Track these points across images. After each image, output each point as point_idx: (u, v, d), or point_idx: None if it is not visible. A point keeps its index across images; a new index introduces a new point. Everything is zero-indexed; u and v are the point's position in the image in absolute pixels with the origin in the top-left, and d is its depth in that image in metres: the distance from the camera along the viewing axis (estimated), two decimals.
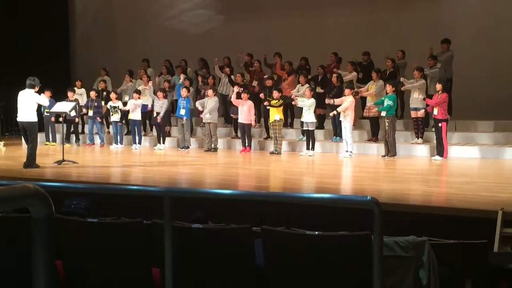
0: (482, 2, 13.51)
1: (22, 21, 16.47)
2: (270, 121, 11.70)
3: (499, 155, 10.64)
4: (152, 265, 3.52)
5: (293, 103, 12.01)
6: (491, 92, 12.76)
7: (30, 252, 1.60)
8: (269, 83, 12.61)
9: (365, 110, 12.03)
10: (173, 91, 13.63)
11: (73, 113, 13.24)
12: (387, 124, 10.57)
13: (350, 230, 3.31)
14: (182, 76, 13.41)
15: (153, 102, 13.38)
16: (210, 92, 12.35)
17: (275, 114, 11.54)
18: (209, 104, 12.18)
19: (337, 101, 11.13)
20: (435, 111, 10.35)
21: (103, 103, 13.70)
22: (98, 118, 13.57)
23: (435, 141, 10.57)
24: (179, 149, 12.61)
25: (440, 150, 10.31)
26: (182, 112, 12.42)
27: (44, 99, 9.91)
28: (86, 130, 14.58)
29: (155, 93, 13.32)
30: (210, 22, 16.32)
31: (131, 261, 3.59)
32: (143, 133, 13.89)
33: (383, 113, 10.65)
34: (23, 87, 9.47)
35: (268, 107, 11.81)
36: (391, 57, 12.30)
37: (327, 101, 11.47)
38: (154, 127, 13.47)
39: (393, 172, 9.45)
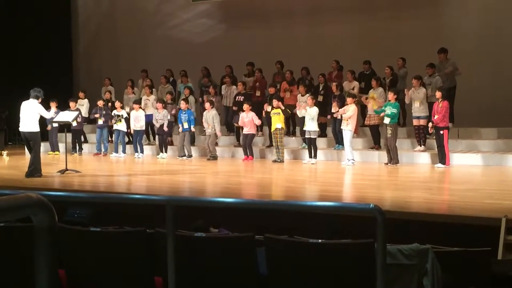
0: (483, 10, 13.50)
1: (25, 32, 16.53)
2: (272, 130, 11.71)
3: (502, 162, 10.61)
4: (155, 274, 3.52)
5: (295, 111, 11.95)
6: (494, 99, 12.75)
7: (33, 261, 1.60)
8: (271, 90, 12.64)
9: (366, 119, 12.01)
10: (175, 103, 13.63)
11: (74, 123, 13.27)
12: (389, 132, 10.55)
13: (353, 238, 3.30)
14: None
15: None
16: (207, 105, 12.35)
17: (277, 123, 11.54)
18: (211, 120, 12.19)
19: (345, 116, 10.94)
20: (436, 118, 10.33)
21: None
22: (108, 126, 13.54)
23: (436, 149, 10.55)
24: (177, 157, 12.57)
25: (442, 157, 10.29)
26: (186, 125, 12.42)
27: (47, 112, 9.99)
28: (89, 139, 14.59)
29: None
30: (212, 31, 16.38)
31: (134, 270, 3.58)
32: (146, 142, 13.89)
33: (387, 121, 10.62)
34: (26, 98, 9.49)
35: (267, 112, 11.82)
36: (391, 65, 12.30)
37: (335, 115, 11.37)
38: (157, 136, 13.46)
39: (395, 179, 9.43)
